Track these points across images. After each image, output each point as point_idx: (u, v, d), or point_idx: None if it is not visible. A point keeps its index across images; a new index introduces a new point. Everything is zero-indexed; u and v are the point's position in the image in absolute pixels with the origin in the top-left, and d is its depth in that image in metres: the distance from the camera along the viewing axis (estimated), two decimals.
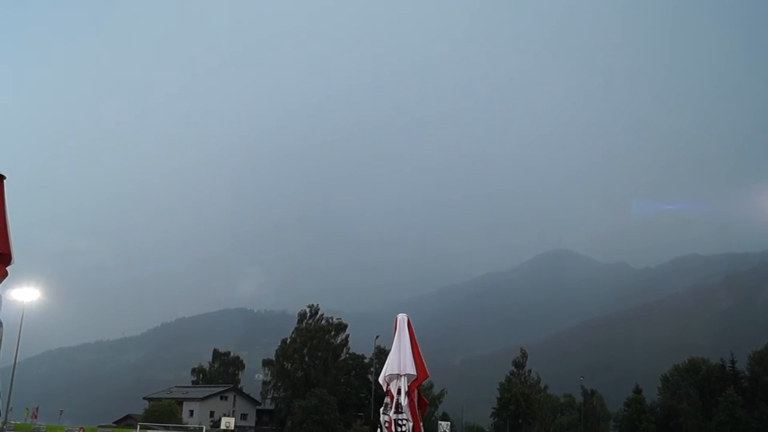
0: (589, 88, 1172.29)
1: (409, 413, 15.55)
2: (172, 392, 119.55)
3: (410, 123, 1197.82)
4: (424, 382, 16.94)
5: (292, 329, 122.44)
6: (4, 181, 8.14)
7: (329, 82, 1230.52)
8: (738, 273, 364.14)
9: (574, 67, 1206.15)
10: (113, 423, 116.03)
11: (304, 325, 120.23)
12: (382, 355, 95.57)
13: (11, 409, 58.98)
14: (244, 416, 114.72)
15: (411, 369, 15.55)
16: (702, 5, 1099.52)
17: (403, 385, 15.59)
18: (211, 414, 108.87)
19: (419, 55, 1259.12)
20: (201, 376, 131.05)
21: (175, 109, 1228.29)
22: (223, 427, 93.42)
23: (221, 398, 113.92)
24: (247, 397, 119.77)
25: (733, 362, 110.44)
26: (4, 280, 7.78)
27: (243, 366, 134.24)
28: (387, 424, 15.80)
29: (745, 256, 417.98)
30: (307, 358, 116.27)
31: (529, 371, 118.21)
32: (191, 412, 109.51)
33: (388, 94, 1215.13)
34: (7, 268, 7.73)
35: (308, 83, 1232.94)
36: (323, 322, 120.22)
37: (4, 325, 7.88)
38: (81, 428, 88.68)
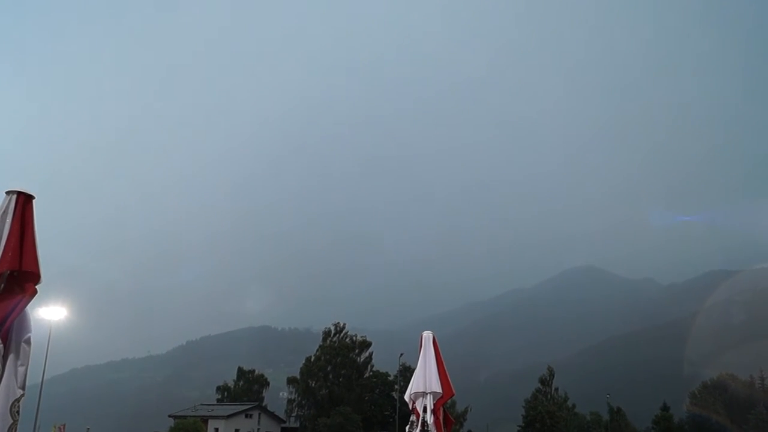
0: (611, 105, 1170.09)
1: (435, 431, 15.46)
2: (197, 410, 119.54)
3: (436, 151, 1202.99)
4: (448, 400, 16.80)
5: (317, 347, 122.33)
6: (33, 201, 8.22)
7: (357, 109, 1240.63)
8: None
9: (596, 87, 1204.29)
10: None
11: (328, 342, 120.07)
12: (406, 372, 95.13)
13: (39, 427, 59.27)
14: None
15: (437, 387, 15.47)
16: (723, 21, 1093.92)
17: (429, 403, 15.51)
18: None
19: (447, 81, 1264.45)
20: (226, 394, 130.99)
21: (200, 121, 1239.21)
22: None
23: (246, 416, 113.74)
24: (272, 415, 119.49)
25: (762, 380, 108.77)
26: (33, 299, 7.85)
27: (267, 384, 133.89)
28: None
29: None
30: (331, 376, 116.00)
31: (556, 389, 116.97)
32: (216, 430, 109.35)
33: (419, 122, 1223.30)
34: (36, 287, 7.82)
35: (340, 111, 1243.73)
36: (347, 339, 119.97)
37: (31, 343, 7.92)
38: None
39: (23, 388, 7.59)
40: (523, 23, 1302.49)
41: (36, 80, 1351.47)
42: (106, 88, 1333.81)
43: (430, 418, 15.39)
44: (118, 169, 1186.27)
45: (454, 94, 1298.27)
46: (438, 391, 15.49)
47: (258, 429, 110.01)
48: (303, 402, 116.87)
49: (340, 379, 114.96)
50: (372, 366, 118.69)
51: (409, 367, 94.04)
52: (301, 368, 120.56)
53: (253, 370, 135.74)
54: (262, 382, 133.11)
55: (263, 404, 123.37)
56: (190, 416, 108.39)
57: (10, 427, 7.43)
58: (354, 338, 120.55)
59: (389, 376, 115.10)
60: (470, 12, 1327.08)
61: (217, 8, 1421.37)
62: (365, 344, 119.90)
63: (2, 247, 7.66)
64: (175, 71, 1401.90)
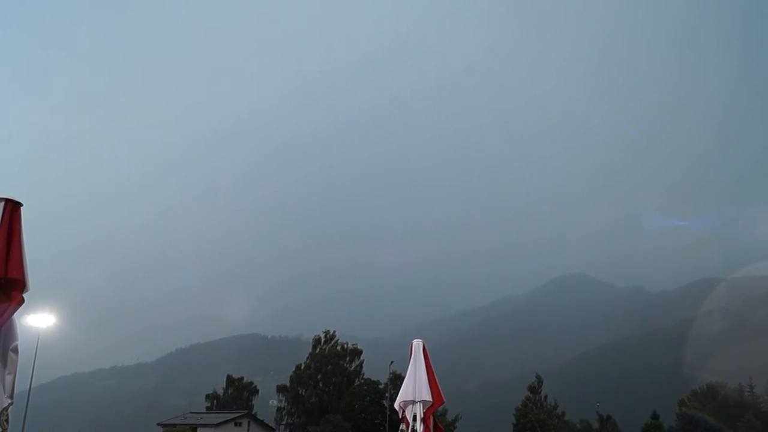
0: (603, 110, 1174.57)
1: None
2: (186, 418, 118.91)
3: (426, 144, 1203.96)
4: (438, 408, 16.79)
5: (307, 355, 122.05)
6: (21, 208, 8.18)
7: (343, 105, 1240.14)
8: (758, 296, 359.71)
9: (588, 89, 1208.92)
10: None
11: (318, 350, 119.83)
12: (396, 380, 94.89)
13: None
14: None
15: (426, 395, 15.45)
16: (721, 22, 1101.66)
17: (419, 411, 15.49)
18: None
19: (433, 75, 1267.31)
20: (215, 401, 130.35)
21: (194, 130, 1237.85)
22: None
23: (235, 424, 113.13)
24: (262, 423, 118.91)
25: (751, 387, 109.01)
26: (20, 307, 7.83)
27: (257, 392, 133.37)
28: None
29: (766, 279, 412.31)
30: (321, 384, 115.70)
31: (545, 396, 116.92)
32: None
33: (402, 116, 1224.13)
34: (23, 295, 7.79)
35: (323, 106, 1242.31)
36: (338, 347, 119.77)
37: (18, 352, 7.89)
38: None
39: (11, 396, 7.56)
40: (519, 21, 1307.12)
41: (19, 80, 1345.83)
42: (97, 84, 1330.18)
43: (419, 427, 15.36)
44: (116, 170, 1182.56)
45: (449, 86, 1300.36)
46: (428, 399, 15.48)
47: None
48: (293, 410, 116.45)
49: (330, 387, 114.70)
50: (362, 374, 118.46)
51: (400, 375, 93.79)
52: (290, 376, 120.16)
53: (243, 378, 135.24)
54: (252, 390, 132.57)
55: (253, 412, 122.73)
56: (179, 424, 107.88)
57: None
58: (344, 346, 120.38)
59: (380, 384, 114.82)
60: (463, 4, 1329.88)
61: None
62: (356, 352, 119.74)
63: None
64: (166, 70, 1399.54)
